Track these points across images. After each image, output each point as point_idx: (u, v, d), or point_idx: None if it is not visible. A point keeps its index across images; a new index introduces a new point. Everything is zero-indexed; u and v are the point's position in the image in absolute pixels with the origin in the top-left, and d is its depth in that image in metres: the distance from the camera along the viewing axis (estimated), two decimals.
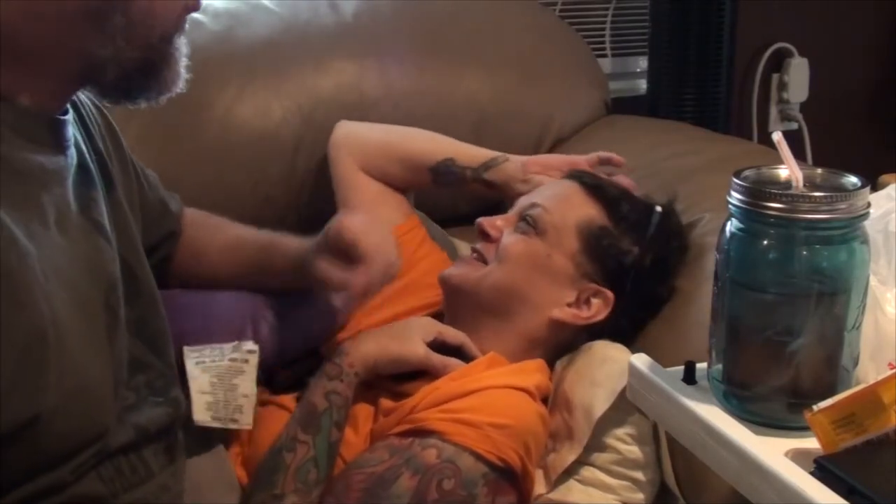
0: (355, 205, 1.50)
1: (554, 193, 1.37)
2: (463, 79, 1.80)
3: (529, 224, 1.32)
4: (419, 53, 1.80)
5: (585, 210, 1.33)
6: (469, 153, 1.55)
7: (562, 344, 1.32)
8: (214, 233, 1.33)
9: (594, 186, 1.35)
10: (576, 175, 1.39)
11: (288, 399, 1.26)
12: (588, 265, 1.31)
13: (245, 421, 1.20)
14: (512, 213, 1.37)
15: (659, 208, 1.35)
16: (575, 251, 1.31)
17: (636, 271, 1.31)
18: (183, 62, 0.94)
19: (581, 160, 1.49)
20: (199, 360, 1.20)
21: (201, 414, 1.16)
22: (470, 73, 1.81)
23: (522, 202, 1.38)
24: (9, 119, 0.85)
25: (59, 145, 0.91)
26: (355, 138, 1.58)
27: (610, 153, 1.50)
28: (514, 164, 1.51)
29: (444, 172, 1.53)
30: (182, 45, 0.94)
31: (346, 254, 1.15)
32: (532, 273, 1.30)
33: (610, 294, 1.30)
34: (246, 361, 1.23)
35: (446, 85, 1.79)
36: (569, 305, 1.30)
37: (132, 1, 0.86)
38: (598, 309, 1.30)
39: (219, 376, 1.20)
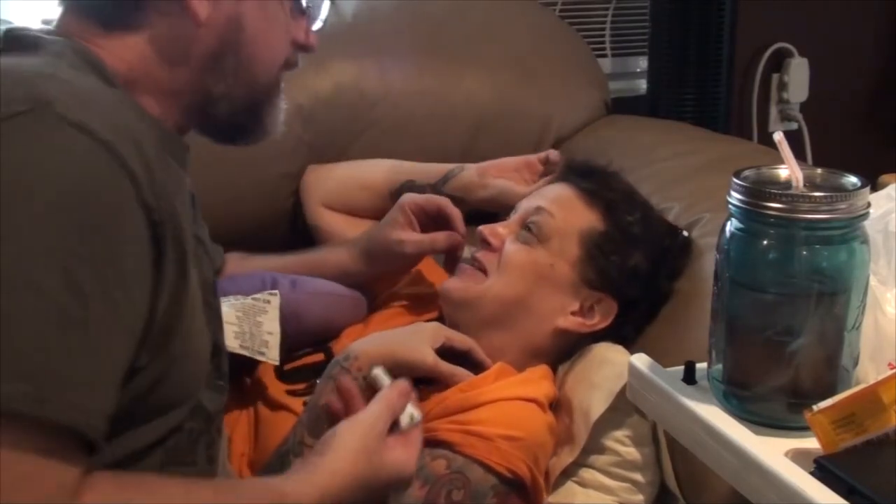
0: (322, 239, 1.58)
1: (556, 197, 1.36)
2: (463, 79, 1.80)
3: (532, 232, 1.31)
4: (419, 53, 1.80)
5: (586, 216, 1.32)
6: (427, 171, 1.57)
7: (566, 350, 1.31)
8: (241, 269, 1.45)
9: (591, 192, 1.34)
10: (571, 179, 1.38)
11: (296, 402, 1.25)
12: (590, 273, 1.30)
13: (272, 355, 1.25)
14: (514, 218, 1.36)
15: (685, 233, 1.36)
16: (577, 259, 1.30)
17: (639, 277, 1.31)
18: (282, 115, 1.09)
19: (533, 158, 1.53)
20: (223, 300, 1.24)
21: (230, 341, 1.19)
22: (470, 73, 1.81)
23: (525, 206, 1.36)
24: (158, 134, 0.97)
25: (185, 166, 1.04)
26: (321, 179, 1.64)
27: (553, 153, 1.55)
28: (470, 172, 1.53)
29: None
30: (282, 97, 1.08)
31: (433, 217, 1.39)
32: (535, 283, 1.30)
33: (613, 301, 1.30)
34: (268, 302, 1.29)
35: (446, 85, 1.79)
36: (573, 314, 1.30)
37: (242, 45, 1.00)
38: (603, 316, 1.30)
39: (243, 311, 1.26)
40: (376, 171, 1.61)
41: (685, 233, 1.37)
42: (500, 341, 1.29)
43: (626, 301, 1.30)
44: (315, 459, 0.98)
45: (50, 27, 1.00)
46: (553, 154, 1.55)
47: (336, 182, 1.62)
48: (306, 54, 1.09)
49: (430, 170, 1.57)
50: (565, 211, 1.33)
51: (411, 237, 1.38)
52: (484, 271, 1.32)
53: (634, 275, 1.31)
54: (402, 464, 1.00)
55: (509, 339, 1.30)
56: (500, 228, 1.34)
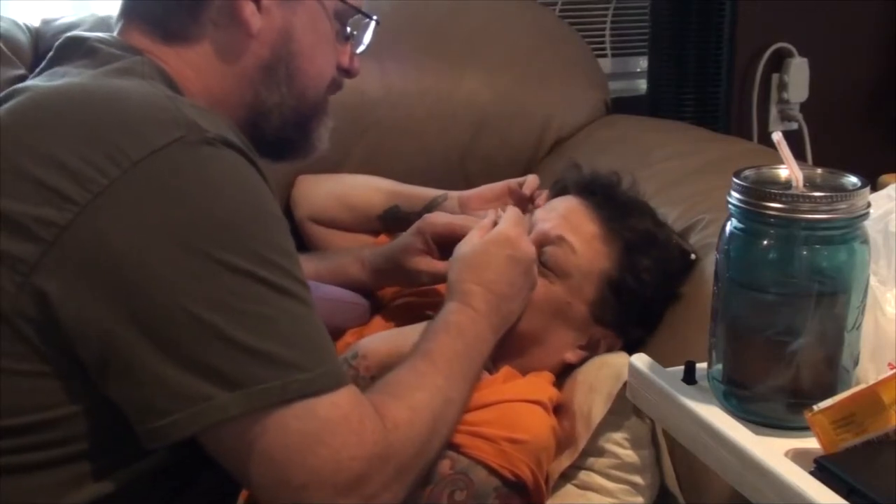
0: (312, 249, 1.58)
1: (576, 225, 1.30)
2: (463, 79, 1.80)
3: (551, 266, 1.27)
4: (419, 53, 1.80)
5: (605, 256, 1.29)
6: (413, 196, 1.55)
7: (565, 371, 1.31)
8: None
9: (611, 229, 1.30)
10: (589, 200, 1.33)
11: None
12: (603, 313, 1.29)
13: None
14: (531, 238, 1.28)
15: (693, 255, 1.34)
16: (593, 299, 1.28)
17: (647, 318, 1.31)
18: (327, 134, 1.14)
19: (514, 184, 1.46)
20: None
21: None
22: (470, 73, 1.81)
23: (543, 227, 1.30)
24: None
25: None
26: (308, 195, 1.64)
27: (531, 179, 1.47)
28: (452, 203, 1.50)
29: (391, 220, 1.55)
30: (328, 115, 1.14)
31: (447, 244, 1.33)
32: (551, 319, 1.28)
33: (618, 337, 1.30)
34: None
35: (446, 85, 1.79)
36: (580, 347, 1.30)
37: (292, 57, 1.05)
38: (607, 349, 1.30)
39: None
40: (362, 193, 1.60)
41: (693, 255, 1.35)
42: (504, 361, 1.27)
43: (631, 337, 1.31)
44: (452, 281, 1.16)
45: (112, 37, 1.01)
46: (531, 179, 1.47)
47: (322, 199, 1.63)
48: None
49: (416, 194, 1.55)
50: (586, 247, 1.28)
51: (430, 267, 1.34)
52: None
53: (643, 317, 1.31)
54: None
55: (512, 362, 1.28)
56: None
